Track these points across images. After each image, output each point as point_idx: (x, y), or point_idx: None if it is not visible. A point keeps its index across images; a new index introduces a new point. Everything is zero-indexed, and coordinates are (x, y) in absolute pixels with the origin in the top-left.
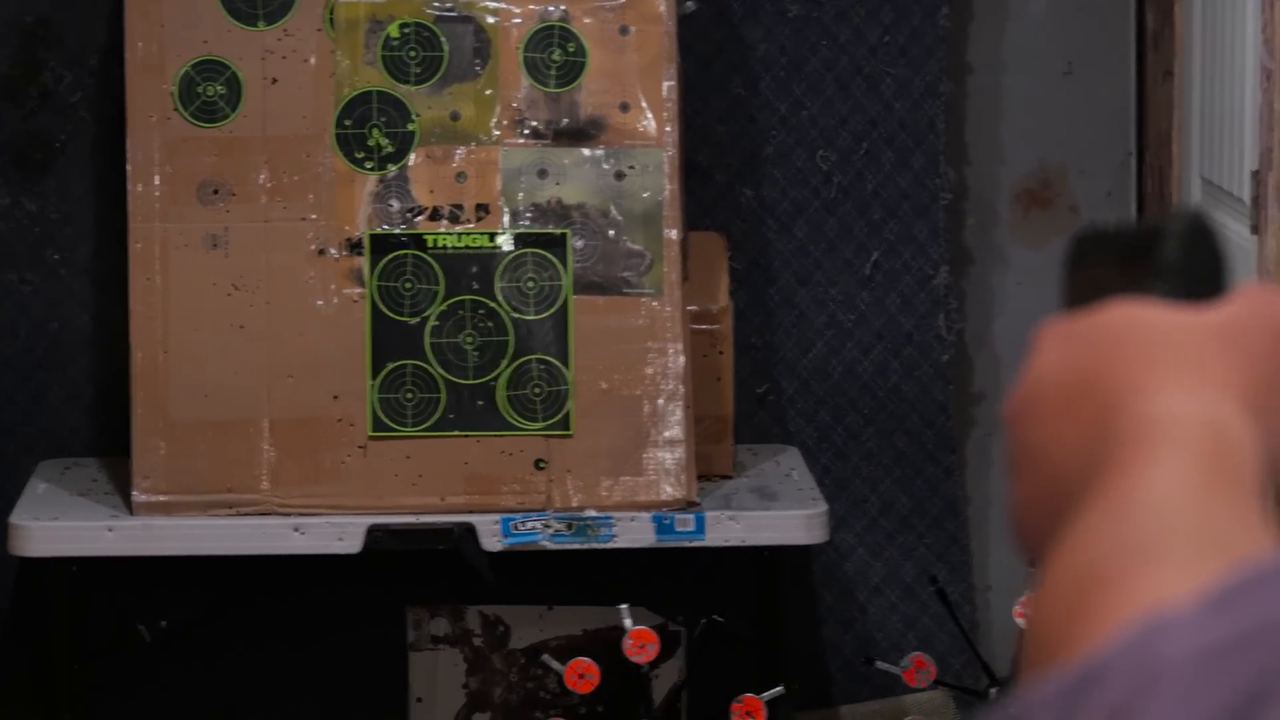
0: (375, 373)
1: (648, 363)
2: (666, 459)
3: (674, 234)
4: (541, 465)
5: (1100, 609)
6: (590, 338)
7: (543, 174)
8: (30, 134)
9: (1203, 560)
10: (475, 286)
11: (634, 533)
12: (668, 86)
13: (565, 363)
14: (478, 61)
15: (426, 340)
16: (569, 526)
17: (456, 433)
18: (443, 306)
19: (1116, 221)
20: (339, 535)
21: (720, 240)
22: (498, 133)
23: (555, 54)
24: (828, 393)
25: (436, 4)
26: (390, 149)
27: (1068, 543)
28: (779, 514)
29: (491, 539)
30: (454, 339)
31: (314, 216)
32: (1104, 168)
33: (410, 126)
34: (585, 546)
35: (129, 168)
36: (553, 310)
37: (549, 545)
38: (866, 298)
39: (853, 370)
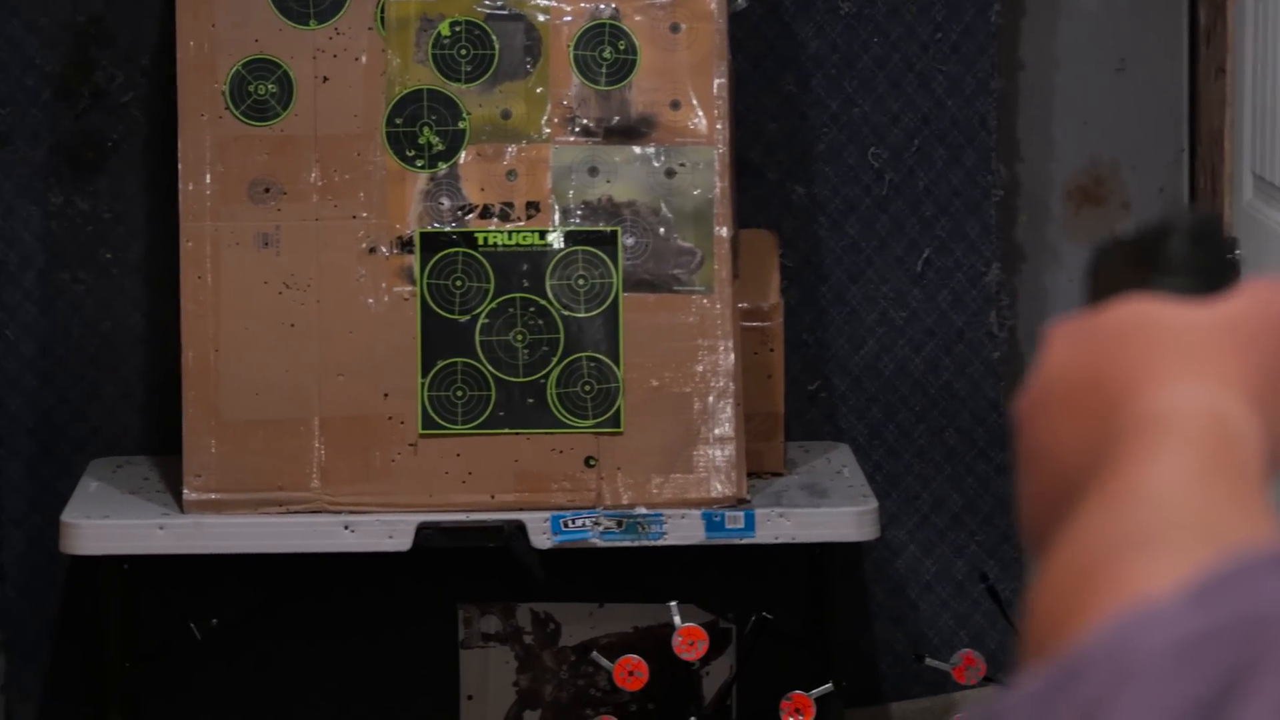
0: (425, 370)
1: (698, 360)
2: (717, 456)
3: (724, 231)
4: (592, 463)
5: (1092, 601)
6: (640, 335)
7: (593, 172)
8: (83, 133)
9: (1200, 552)
10: (526, 284)
11: (684, 530)
12: (718, 84)
13: (615, 360)
14: (529, 59)
15: (477, 338)
16: (619, 524)
17: (507, 430)
18: (493, 304)
19: (1134, 228)
20: (389, 533)
21: (771, 237)
22: (548, 130)
23: (606, 52)
24: (879, 390)
25: (488, 2)
26: (441, 147)
27: (1067, 536)
28: (829, 511)
29: (541, 536)
30: (504, 337)
31: (365, 215)
32: (1156, 164)
33: (461, 124)
34: (635, 544)
35: (180, 167)
36: (603, 308)
37: (599, 543)
38: (918, 295)
39: (904, 367)
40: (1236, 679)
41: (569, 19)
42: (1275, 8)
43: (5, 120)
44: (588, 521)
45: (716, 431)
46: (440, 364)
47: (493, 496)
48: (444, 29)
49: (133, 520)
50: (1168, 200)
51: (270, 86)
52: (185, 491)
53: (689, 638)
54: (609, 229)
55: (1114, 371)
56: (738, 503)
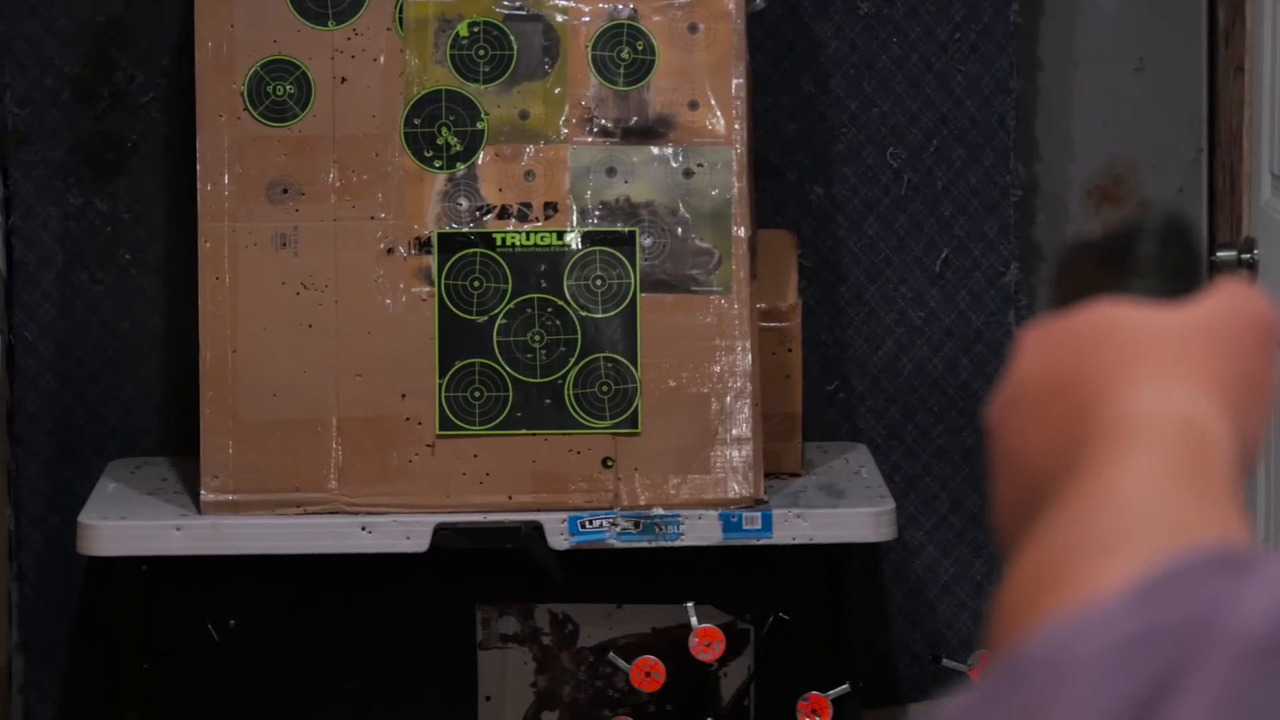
0: (443, 371)
1: (715, 360)
2: (734, 457)
3: (742, 232)
4: (609, 463)
5: (1051, 603)
6: (658, 336)
7: (611, 172)
8: (102, 134)
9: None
10: (543, 285)
11: (701, 531)
12: (736, 84)
13: (633, 361)
14: (547, 60)
15: (494, 339)
16: (636, 525)
17: (524, 431)
18: (511, 305)
19: (1103, 229)
20: (406, 534)
21: (790, 238)
22: (566, 131)
23: (624, 52)
24: (897, 390)
25: (506, 3)
26: (459, 148)
27: (1034, 537)
28: (846, 512)
29: (559, 537)
30: (522, 337)
31: (383, 215)
32: (1175, 164)
33: (479, 125)
34: (652, 545)
35: (199, 167)
36: (621, 308)
37: (616, 543)
38: (936, 295)
39: (922, 367)
40: (1170, 679)
41: (587, 19)
42: None
43: (25, 121)
44: (605, 522)
45: (734, 432)
46: (458, 364)
47: (510, 497)
48: (462, 29)
49: (150, 521)
50: (1187, 199)
51: (288, 87)
52: (203, 492)
53: (705, 638)
54: (627, 229)
55: (1085, 375)
56: (755, 503)
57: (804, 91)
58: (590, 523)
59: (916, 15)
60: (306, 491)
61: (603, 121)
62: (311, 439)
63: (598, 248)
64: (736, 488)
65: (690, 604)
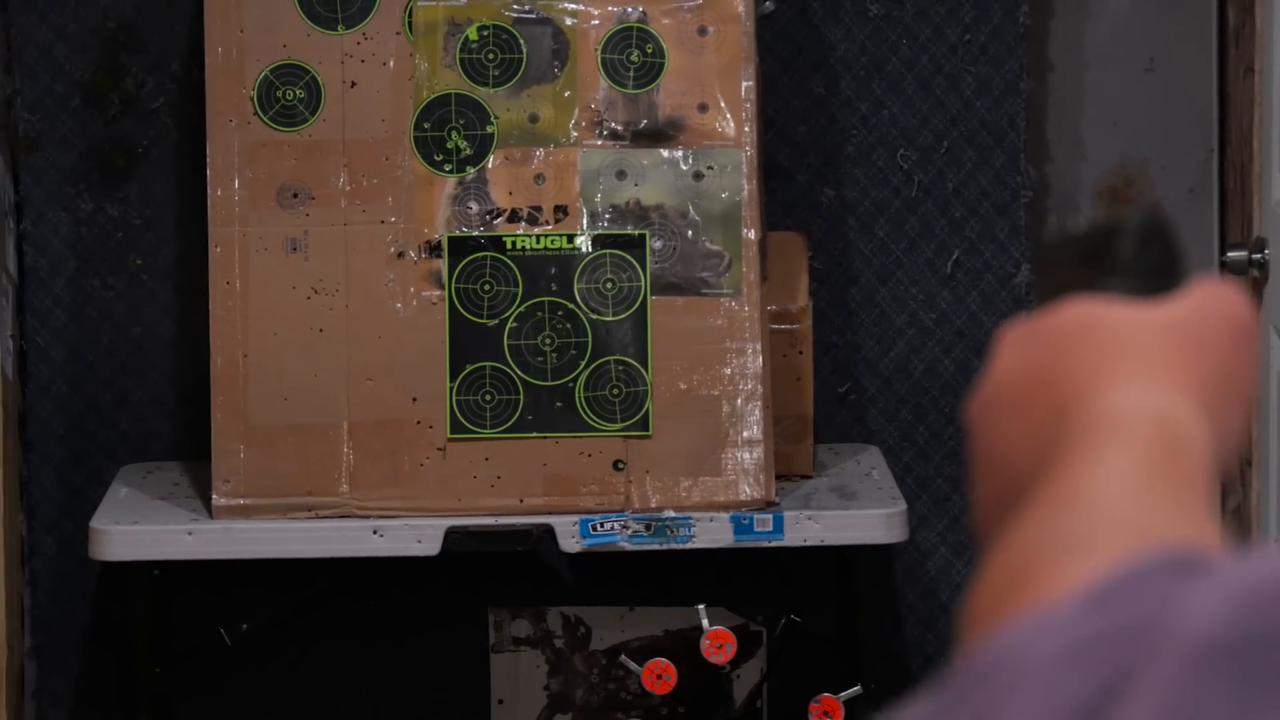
0: (454, 375)
1: (726, 363)
2: (745, 459)
3: (752, 234)
4: (620, 466)
5: (1018, 603)
6: (669, 338)
7: (621, 175)
8: (113, 140)
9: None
10: (554, 288)
11: (712, 533)
12: (746, 87)
13: (644, 363)
14: (556, 63)
15: (505, 342)
16: (647, 527)
17: (535, 434)
18: (521, 308)
19: (1085, 226)
20: (418, 537)
21: (800, 240)
22: (576, 134)
23: (634, 55)
24: (909, 392)
25: (515, 6)
26: (469, 151)
27: (1006, 538)
28: (857, 513)
29: (570, 540)
30: (532, 340)
31: (393, 219)
32: (1186, 164)
33: (489, 129)
34: (664, 547)
35: (209, 172)
36: (631, 311)
37: (627, 546)
38: (948, 296)
39: (934, 369)
40: (1118, 682)
41: (596, 22)
42: None
43: (35, 126)
44: (616, 525)
45: (745, 434)
46: (469, 368)
47: (521, 500)
48: (471, 33)
49: (162, 526)
50: (1198, 200)
51: (298, 92)
52: (214, 497)
53: (717, 641)
54: (637, 232)
55: (1062, 374)
56: (766, 505)
57: (814, 93)
58: (601, 525)
59: (926, 17)
60: (318, 495)
61: (612, 124)
62: (323, 443)
63: (608, 251)
64: (748, 490)
65: (702, 606)
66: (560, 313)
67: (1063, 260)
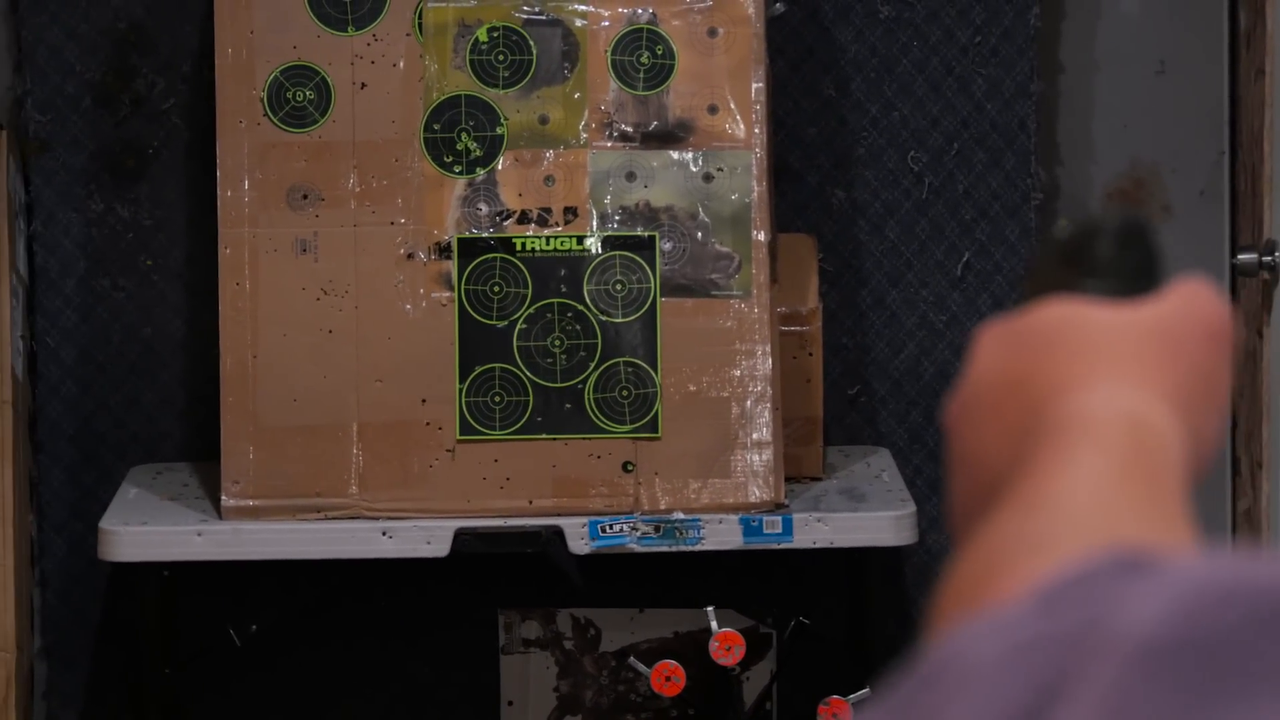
0: (463, 376)
1: (736, 365)
2: (755, 461)
3: (762, 236)
4: (629, 468)
5: (977, 604)
6: (678, 340)
7: (631, 177)
8: (123, 141)
9: None
10: (563, 289)
11: (722, 535)
12: (756, 88)
13: (653, 365)
14: (566, 65)
15: (515, 343)
16: (656, 529)
17: (544, 436)
18: (531, 310)
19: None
20: (427, 539)
21: (811, 242)
22: (586, 136)
23: (644, 57)
24: (919, 394)
25: (525, 8)
26: (479, 153)
27: (975, 539)
28: (867, 515)
29: (579, 542)
30: (542, 342)
31: (402, 221)
32: (1197, 167)
33: (499, 130)
34: (673, 549)
35: (219, 173)
36: (641, 313)
37: (636, 548)
38: (958, 298)
39: (945, 371)
40: (1059, 684)
41: (606, 24)
42: None
43: (45, 127)
44: (625, 527)
45: (754, 436)
46: (478, 369)
47: (530, 502)
48: (481, 35)
49: (171, 527)
50: (1209, 202)
51: (308, 93)
52: (224, 498)
53: (726, 643)
54: (646, 234)
55: (1037, 375)
56: (776, 507)
57: (824, 95)
58: (611, 527)
59: (937, 19)
60: (327, 497)
61: (622, 126)
62: (332, 444)
63: (617, 252)
64: (757, 492)
65: (711, 608)
66: (570, 314)
67: (1043, 261)
